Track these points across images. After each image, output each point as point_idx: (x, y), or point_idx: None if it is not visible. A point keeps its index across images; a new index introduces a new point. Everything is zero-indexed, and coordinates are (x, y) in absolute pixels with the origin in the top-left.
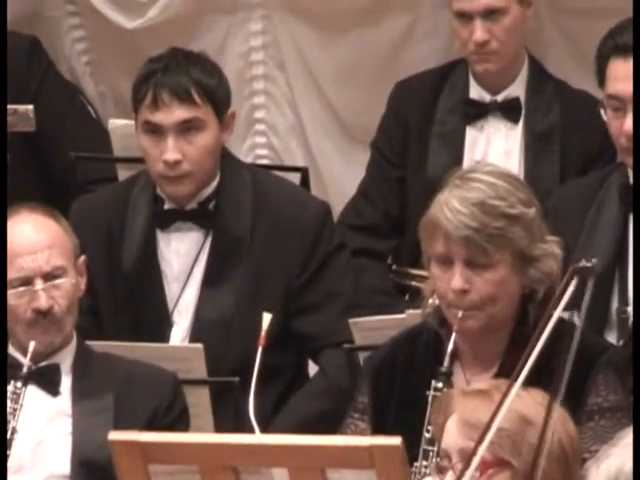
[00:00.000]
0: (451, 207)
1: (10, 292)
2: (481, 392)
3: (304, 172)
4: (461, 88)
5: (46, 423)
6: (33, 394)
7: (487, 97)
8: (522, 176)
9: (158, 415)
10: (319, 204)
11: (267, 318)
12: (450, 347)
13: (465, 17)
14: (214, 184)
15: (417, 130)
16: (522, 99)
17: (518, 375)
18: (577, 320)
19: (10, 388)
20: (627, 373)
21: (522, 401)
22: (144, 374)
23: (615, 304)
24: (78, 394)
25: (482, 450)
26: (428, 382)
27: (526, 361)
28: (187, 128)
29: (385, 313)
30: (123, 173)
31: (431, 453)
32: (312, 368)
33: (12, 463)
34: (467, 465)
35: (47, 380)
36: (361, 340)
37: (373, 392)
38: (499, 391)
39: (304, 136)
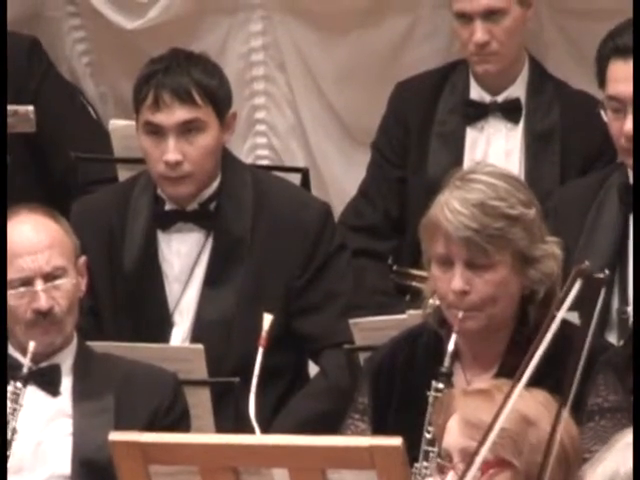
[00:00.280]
0: (451, 208)
1: (10, 293)
2: (482, 392)
3: (304, 173)
4: (461, 89)
5: (46, 424)
6: (33, 395)
7: (487, 98)
8: (522, 177)
9: (159, 416)
10: (320, 205)
11: (268, 319)
12: (451, 348)
13: (465, 18)
14: (215, 185)
15: (417, 131)
16: (522, 100)
17: (521, 376)
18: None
19: (10, 388)
20: (627, 373)
21: (524, 401)
22: (145, 375)
23: (615, 304)
24: (79, 395)
25: (484, 451)
26: (428, 382)
27: (529, 362)
28: (188, 129)
29: (385, 314)
30: (124, 174)
31: (432, 454)
32: (312, 369)
33: (12, 464)
34: (469, 466)
35: (47, 381)
36: (361, 341)
37: (373, 392)
38: (500, 391)
39: (304, 137)
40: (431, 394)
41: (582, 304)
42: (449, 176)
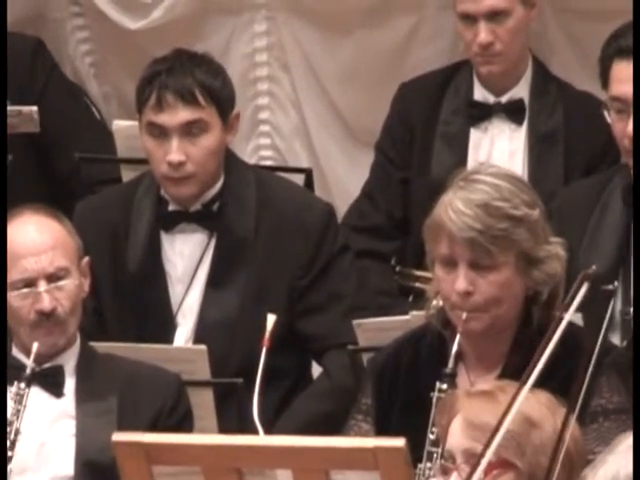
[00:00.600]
0: (455, 208)
1: (14, 294)
2: (485, 393)
3: (308, 173)
4: (465, 89)
5: (50, 424)
6: (37, 395)
7: (491, 98)
8: (526, 177)
9: (162, 416)
10: (323, 205)
11: (271, 319)
12: (454, 349)
13: (469, 19)
14: (218, 185)
15: (421, 131)
16: (526, 100)
17: (527, 378)
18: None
19: (13, 389)
20: (630, 374)
21: (527, 402)
22: (148, 375)
23: (618, 306)
24: (82, 395)
25: (489, 454)
26: (432, 383)
27: (535, 366)
28: (191, 129)
29: (389, 314)
30: (127, 174)
31: (435, 454)
32: (316, 369)
33: (16, 464)
34: (474, 468)
35: (51, 381)
36: (365, 341)
37: (377, 393)
38: (503, 392)
39: (308, 137)
40: (435, 395)
41: (587, 308)
42: (453, 177)
